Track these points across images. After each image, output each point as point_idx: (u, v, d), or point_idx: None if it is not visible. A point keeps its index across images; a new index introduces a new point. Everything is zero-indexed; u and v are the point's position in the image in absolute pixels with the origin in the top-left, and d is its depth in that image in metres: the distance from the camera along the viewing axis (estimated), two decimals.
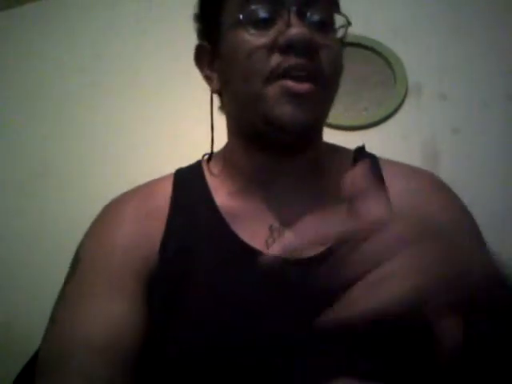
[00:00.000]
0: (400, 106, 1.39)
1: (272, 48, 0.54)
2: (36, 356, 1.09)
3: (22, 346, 1.17)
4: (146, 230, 0.59)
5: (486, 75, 1.35)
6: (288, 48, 0.53)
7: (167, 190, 0.63)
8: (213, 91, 0.64)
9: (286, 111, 0.53)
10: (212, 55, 0.62)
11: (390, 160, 0.68)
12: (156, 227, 0.59)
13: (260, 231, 0.59)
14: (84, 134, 1.62)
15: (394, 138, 1.36)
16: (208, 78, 0.63)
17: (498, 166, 1.29)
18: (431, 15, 1.42)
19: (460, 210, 0.64)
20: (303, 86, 0.53)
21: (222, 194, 0.62)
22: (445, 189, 0.66)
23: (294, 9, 0.53)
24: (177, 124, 1.54)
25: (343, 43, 0.60)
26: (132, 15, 1.68)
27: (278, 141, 0.58)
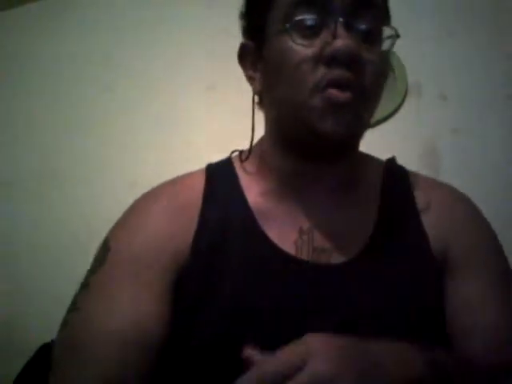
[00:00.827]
0: (400, 105, 1.39)
1: (318, 59, 0.54)
2: (36, 357, 1.09)
3: (22, 346, 1.17)
4: (179, 225, 0.59)
5: (486, 75, 1.35)
6: (332, 60, 0.53)
7: (199, 184, 0.63)
8: (255, 91, 0.64)
9: (328, 122, 0.54)
10: (256, 56, 0.62)
11: (417, 174, 0.69)
12: (188, 223, 0.59)
13: (290, 233, 0.59)
14: (84, 134, 1.62)
15: (394, 138, 1.36)
16: (251, 78, 0.63)
17: (498, 166, 1.29)
18: (431, 15, 1.42)
19: (481, 222, 0.66)
20: (345, 95, 0.53)
21: (254, 192, 0.62)
22: (468, 201, 0.68)
23: (340, 20, 0.53)
24: (176, 125, 1.54)
25: (389, 55, 0.60)
26: (134, 15, 1.68)
27: (317, 149, 0.59)
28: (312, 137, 0.56)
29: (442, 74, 1.38)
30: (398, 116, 1.39)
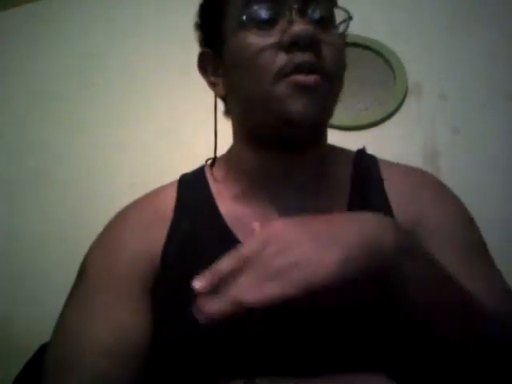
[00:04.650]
0: (400, 105, 1.39)
1: (277, 47, 0.54)
2: (36, 357, 1.09)
3: (23, 344, 1.17)
4: (150, 237, 0.60)
5: (486, 75, 1.35)
6: (292, 45, 0.53)
7: (171, 196, 0.64)
8: (218, 96, 0.64)
9: (297, 105, 0.54)
10: (216, 61, 0.62)
11: (388, 161, 0.69)
12: (160, 234, 0.60)
13: None
14: (83, 133, 1.62)
15: (394, 138, 1.36)
16: (213, 84, 0.64)
17: (498, 166, 1.29)
18: (431, 15, 1.42)
19: (453, 202, 0.65)
20: (311, 78, 0.53)
21: (225, 199, 0.62)
22: (437, 183, 0.68)
23: (295, 7, 0.54)
24: (176, 126, 1.54)
25: (345, 38, 0.60)
26: (132, 15, 1.68)
27: (290, 137, 0.58)
28: (283, 124, 0.55)
29: (442, 74, 1.38)
30: (397, 116, 1.39)
